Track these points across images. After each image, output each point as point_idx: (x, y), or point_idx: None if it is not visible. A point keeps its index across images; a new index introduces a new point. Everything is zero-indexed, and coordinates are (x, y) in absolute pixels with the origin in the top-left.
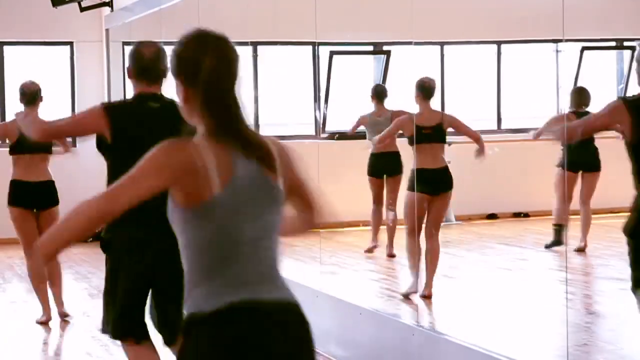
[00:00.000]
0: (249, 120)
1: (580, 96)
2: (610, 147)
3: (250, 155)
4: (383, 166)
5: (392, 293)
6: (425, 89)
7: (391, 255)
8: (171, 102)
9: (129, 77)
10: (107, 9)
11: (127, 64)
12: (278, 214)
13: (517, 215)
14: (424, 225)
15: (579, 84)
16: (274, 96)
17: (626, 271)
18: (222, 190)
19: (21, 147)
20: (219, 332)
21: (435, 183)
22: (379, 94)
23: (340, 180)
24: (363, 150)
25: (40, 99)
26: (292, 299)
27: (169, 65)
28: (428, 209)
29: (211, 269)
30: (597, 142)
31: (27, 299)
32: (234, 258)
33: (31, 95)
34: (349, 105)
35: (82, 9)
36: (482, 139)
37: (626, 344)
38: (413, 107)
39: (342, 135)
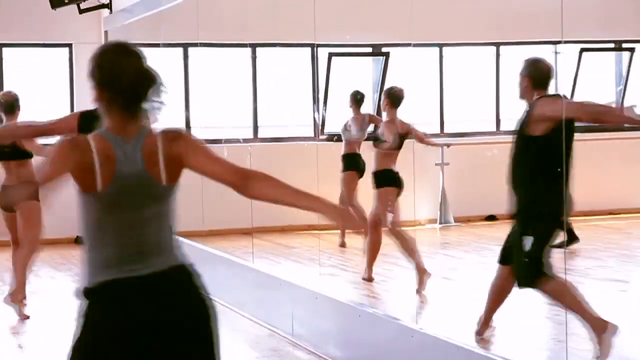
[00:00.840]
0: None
1: None
2: (609, 150)
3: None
4: None
5: (391, 295)
6: (395, 97)
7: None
8: None
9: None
10: (106, 11)
11: None
12: (159, 206)
13: None
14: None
15: (577, 85)
16: (272, 98)
17: (626, 273)
18: (104, 187)
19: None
20: (93, 307)
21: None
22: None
23: (339, 182)
24: (363, 152)
25: (18, 108)
26: (166, 271)
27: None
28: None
29: (94, 249)
30: (597, 143)
31: (25, 301)
32: (109, 242)
33: (9, 104)
34: (348, 107)
35: (81, 11)
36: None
37: (626, 345)
38: (412, 109)
39: (340, 137)
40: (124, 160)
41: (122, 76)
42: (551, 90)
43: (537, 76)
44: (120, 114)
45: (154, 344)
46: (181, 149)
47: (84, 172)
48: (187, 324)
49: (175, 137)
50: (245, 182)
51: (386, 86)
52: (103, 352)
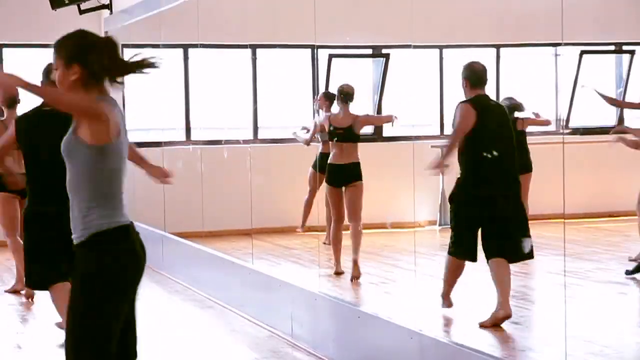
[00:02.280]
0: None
1: None
2: (608, 152)
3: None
4: None
5: (391, 296)
6: (344, 94)
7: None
8: None
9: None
10: (106, 12)
11: None
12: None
13: None
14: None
15: (577, 88)
16: (272, 99)
17: (625, 275)
18: (117, 138)
19: None
20: (120, 245)
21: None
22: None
23: None
24: (362, 153)
25: (19, 101)
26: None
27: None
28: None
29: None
30: (596, 145)
31: (25, 301)
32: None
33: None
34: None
35: (82, 12)
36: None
37: (626, 347)
38: (410, 110)
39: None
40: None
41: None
42: (548, 90)
43: (472, 77)
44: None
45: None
46: None
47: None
48: None
49: None
50: None
51: (387, 88)
52: (132, 277)
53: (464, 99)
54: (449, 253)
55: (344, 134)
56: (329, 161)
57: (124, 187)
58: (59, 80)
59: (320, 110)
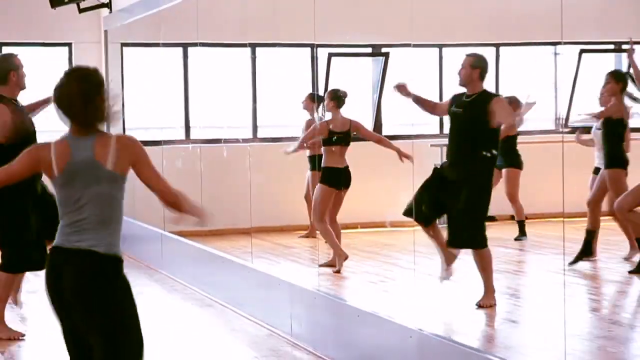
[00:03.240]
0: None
1: None
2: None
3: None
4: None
5: (390, 295)
6: (339, 99)
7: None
8: None
9: None
10: (105, 10)
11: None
12: (101, 187)
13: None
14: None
15: (577, 86)
16: (272, 98)
17: (625, 274)
18: (59, 172)
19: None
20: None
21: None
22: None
23: None
24: (362, 153)
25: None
26: (89, 249)
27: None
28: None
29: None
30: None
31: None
32: (62, 214)
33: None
34: (348, 107)
35: (81, 10)
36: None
37: (627, 346)
38: (410, 109)
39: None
40: (76, 150)
41: (61, 99)
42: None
43: (484, 69)
44: (72, 122)
45: (70, 304)
46: (133, 156)
47: (46, 165)
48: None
49: (129, 143)
50: (162, 196)
51: (386, 87)
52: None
53: (492, 92)
54: None
55: (344, 137)
56: (326, 165)
57: (72, 210)
58: None
59: (324, 112)
